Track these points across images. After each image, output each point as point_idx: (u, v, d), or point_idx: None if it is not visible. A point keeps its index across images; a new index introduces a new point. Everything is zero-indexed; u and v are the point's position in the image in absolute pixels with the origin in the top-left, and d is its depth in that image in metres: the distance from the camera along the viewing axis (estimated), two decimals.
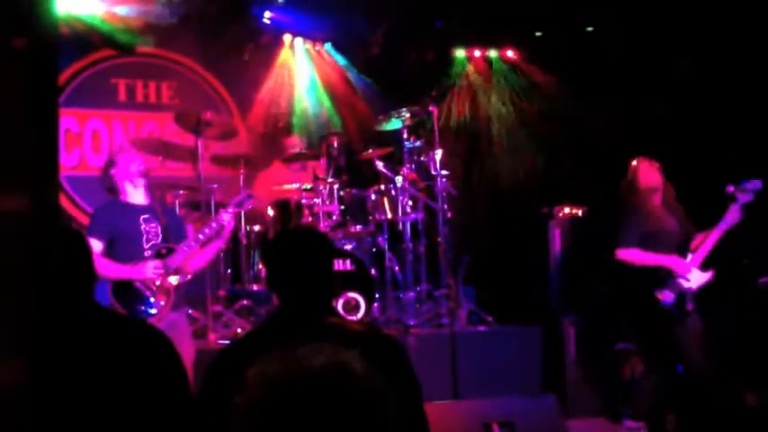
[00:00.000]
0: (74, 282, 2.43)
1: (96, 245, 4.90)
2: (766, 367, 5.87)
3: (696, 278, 5.48)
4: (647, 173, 5.59)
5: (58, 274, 2.31)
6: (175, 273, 5.05)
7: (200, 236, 5.11)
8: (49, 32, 1.24)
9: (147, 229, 5.08)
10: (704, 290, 5.51)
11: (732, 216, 5.44)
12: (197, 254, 5.17)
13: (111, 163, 5.19)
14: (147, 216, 5.10)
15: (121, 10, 7.03)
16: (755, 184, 5.42)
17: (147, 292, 4.98)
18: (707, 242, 5.51)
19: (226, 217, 5.20)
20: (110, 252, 4.97)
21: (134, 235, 5.05)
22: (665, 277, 5.47)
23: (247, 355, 1.65)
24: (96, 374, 2.28)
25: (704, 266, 5.49)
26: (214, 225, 5.17)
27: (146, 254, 5.02)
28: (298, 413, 1.48)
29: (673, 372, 5.44)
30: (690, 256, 5.51)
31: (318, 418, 1.49)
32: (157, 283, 4.99)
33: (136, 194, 5.13)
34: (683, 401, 5.28)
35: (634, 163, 5.64)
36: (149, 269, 4.97)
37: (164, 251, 5.06)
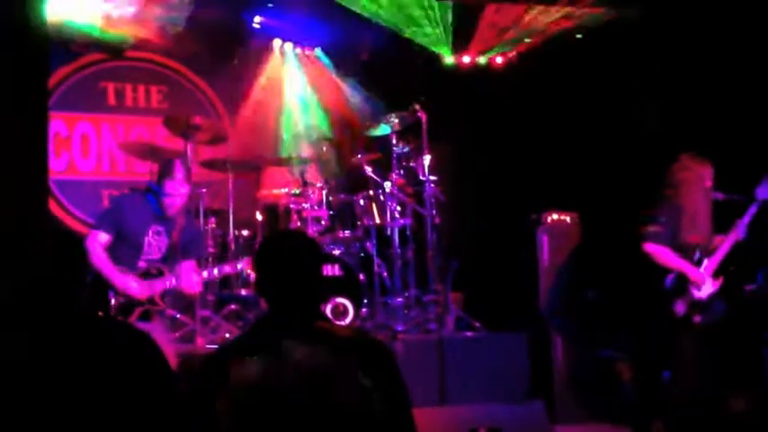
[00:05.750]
0: (60, 284, 2.42)
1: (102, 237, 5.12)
2: (752, 373, 5.90)
3: (707, 287, 5.47)
4: (709, 177, 5.52)
5: (45, 276, 2.31)
6: (153, 298, 5.13)
7: (205, 274, 5.21)
8: (39, 37, 1.25)
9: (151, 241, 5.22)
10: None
11: (743, 226, 5.43)
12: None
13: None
14: (159, 229, 5.22)
15: (111, 13, 7.02)
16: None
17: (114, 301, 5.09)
18: (719, 251, 5.47)
19: (240, 266, 5.29)
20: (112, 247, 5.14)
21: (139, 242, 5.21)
22: (679, 287, 5.43)
23: (232, 359, 1.66)
24: (79, 377, 2.28)
25: (715, 274, 5.49)
26: (227, 269, 5.27)
27: (140, 264, 5.12)
28: (283, 415, 1.49)
29: (660, 378, 5.45)
30: (704, 264, 5.48)
31: (304, 420, 1.49)
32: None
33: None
34: (670, 408, 5.30)
35: (698, 162, 5.54)
36: (131, 287, 5.06)
37: (153, 271, 5.13)
